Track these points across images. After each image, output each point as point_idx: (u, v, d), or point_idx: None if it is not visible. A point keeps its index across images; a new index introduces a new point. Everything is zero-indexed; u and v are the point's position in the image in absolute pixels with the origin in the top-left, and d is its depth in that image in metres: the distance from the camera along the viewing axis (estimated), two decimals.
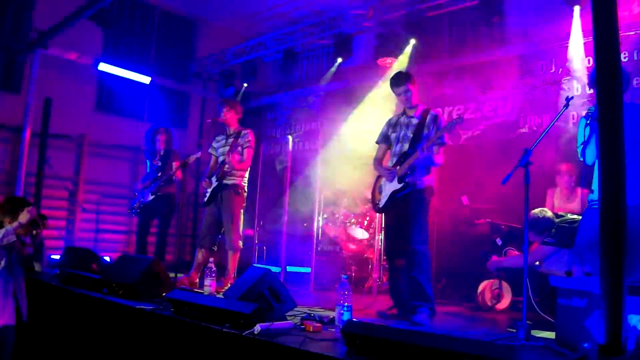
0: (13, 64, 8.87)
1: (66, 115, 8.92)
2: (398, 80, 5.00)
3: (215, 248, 6.36)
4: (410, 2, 7.54)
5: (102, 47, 9.79)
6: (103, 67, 9.14)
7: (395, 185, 4.85)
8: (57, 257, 6.54)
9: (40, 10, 8.94)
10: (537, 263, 5.29)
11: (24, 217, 4.21)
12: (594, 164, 4.10)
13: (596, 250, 2.32)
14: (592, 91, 6.51)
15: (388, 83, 5.15)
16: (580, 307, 3.15)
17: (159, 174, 7.02)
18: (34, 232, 4.41)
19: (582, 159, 4.18)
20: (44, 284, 5.21)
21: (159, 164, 7.13)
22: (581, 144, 4.11)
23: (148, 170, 7.31)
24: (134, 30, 10.40)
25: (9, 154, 8.64)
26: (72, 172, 9.37)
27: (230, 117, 6.39)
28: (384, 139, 5.22)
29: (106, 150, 9.74)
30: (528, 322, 3.73)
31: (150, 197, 6.99)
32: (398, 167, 4.87)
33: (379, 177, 5.21)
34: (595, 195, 4.12)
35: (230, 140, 6.32)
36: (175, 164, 6.98)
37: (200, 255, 6.26)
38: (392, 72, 7.64)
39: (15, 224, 4.17)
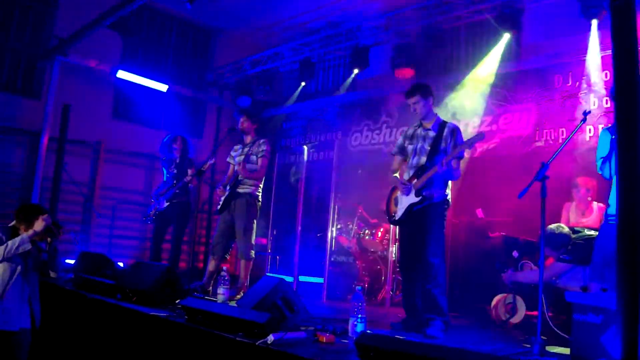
0: (33, 70, 8.99)
1: (84, 121, 9.00)
2: (411, 91, 5.01)
3: (227, 256, 6.40)
4: (428, 14, 7.56)
5: (120, 54, 9.88)
6: (121, 74, 9.22)
7: (412, 198, 4.84)
8: (72, 261, 6.58)
9: (61, 17, 9.06)
10: (553, 279, 5.24)
11: (39, 225, 4.24)
12: (612, 177, 4.07)
13: (613, 266, 2.30)
14: (609, 105, 6.48)
15: (402, 95, 5.15)
16: (596, 323, 3.13)
17: (175, 182, 7.06)
18: (49, 239, 4.44)
19: (600, 172, 4.15)
20: (58, 288, 5.26)
21: (175, 171, 7.16)
22: (601, 158, 4.08)
23: (164, 179, 7.35)
24: (153, 38, 10.50)
25: (27, 158, 8.74)
26: (88, 178, 9.45)
27: (247, 126, 6.44)
28: (400, 151, 5.21)
29: (122, 157, 9.81)
30: (543, 337, 3.70)
31: (166, 205, 7.02)
32: (415, 180, 4.86)
33: (393, 189, 5.20)
34: (611, 210, 4.09)
35: (247, 149, 6.37)
36: (190, 172, 7.01)
37: (212, 263, 6.28)
38: (408, 83, 7.68)
39: (30, 232, 4.21)
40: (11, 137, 8.67)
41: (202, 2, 6.86)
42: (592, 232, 5.17)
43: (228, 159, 6.63)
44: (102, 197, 9.53)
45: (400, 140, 5.25)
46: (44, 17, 9.09)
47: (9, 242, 4.10)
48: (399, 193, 5.06)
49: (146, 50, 10.41)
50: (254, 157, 6.30)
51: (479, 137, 4.63)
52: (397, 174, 5.20)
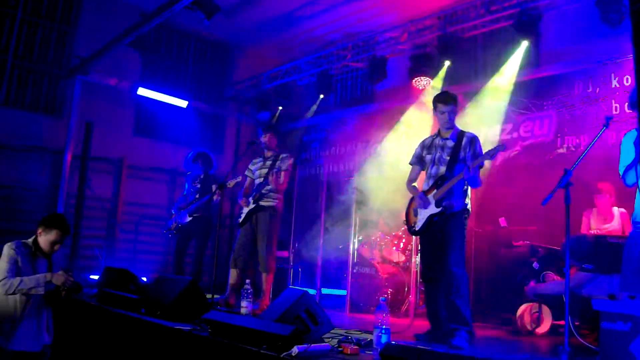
0: (56, 89, 9.16)
1: (106, 138, 9.12)
2: (447, 99, 5.02)
3: (249, 269, 6.41)
4: (444, 24, 7.55)
5: (140, 72, 10.02)
6: (142, 91, 9.33)
7: (432, 209, 4.82)
8: (96, 277, 6.64)
9: (82, 37, 9.24)
10: (577, 288, 5.17)
11: (58, 279, 4.33)
12: (635, 185, 4.01)
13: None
14: (630, 111, 6.40)
15: (420, 105, 5.15)
16: (625, 330, 3.08)
17: (197, 196, 7.11)
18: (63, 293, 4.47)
19: (623, 180, 4.09)
20: (83, 303, 5.30)
21: (199, 186, 7.22)
22: (624, 165, 4.02)
23: (185, 193, 7.40)
24: (171, 55, 10.64)
25: (51, 176, 8.86)
26: (111, 194, 9.55)
27: (269, 140, 6.49)
28: (418, 161, 5.20)
29: (144, 173, 9.92)
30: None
31: (188, 219, 7.07)
32: (435, 191, 4.85)
33: (412, 199, 5.18)
34: (638, 216, 4.03)
35: (269, 162, 6.42)
36: (214, 187, 7.05)
37: (233, 276, 6.30)
38: (426, 94, 7.68)
39: (48, 276, 4.31)
40: (35, 156, 8.79)
41: (219, 19, 6.94)
42: (614, 240, 5.09)
43: (246, 172, 6.67)
44: (125, 213, 9.61)
45: (417, 149, 5.24)
46: (65, 37, 9.27)
47: (24, 279, 4.21)
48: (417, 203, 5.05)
49: (165, 67, 10.54)
50: (277, 171, 6.34)
51: (501, 147, 4.59)
52: (415, 184, 5.19)
